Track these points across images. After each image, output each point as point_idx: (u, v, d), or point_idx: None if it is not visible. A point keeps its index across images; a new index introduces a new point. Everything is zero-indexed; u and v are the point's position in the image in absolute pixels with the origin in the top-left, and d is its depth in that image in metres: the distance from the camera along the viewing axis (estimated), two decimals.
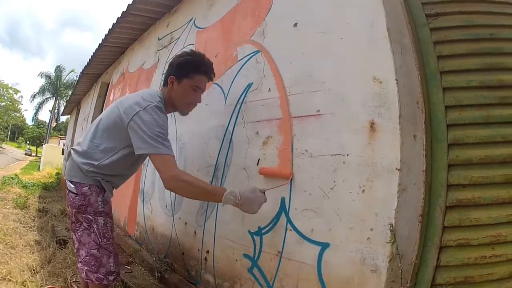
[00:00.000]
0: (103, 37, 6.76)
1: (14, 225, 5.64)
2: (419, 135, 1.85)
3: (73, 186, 2.45)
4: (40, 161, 26.97)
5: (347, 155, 1.98)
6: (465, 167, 1.89)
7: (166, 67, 4.32)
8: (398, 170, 1.76)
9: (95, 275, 2.44)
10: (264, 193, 2.26)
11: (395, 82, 1.82)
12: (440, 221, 1.83)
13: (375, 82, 1.90)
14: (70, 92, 15.90)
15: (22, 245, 4.62)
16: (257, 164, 2.56)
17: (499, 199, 1.87)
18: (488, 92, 1.96)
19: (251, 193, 2.22)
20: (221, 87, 3.13)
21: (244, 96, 2.81)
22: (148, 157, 2.40)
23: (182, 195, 2.37)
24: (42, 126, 69.01)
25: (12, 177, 12.09)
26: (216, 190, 2.29)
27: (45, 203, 8.42)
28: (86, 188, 2.45)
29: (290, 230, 2.23)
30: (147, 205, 4.24)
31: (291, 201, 2.27)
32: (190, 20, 4.19)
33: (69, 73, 47.64)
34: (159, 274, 3.47)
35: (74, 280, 3.37)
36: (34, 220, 6.39)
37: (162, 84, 2.62)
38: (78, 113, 13.35)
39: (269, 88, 2.58)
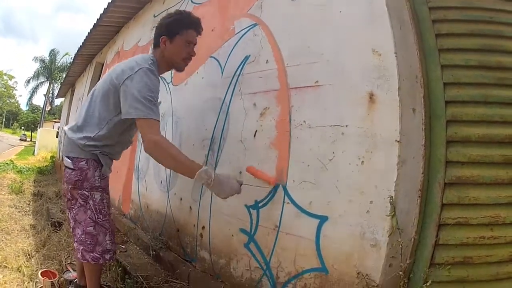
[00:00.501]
0: (98, 17, 6.66)
1: (10, 210, 5.66)
2: (418, 109, 1.84)
3: (70, 161, 2.43)
4: (34, 146, 26.93)
5: (346, 126, 1.96)
6: (464, 144, 1.89)
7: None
8: (398, 142, 1.75)
9: (91, 254, 2.42)
10: (240, 185, 2.32)
11: (394, 55, 1.82)
12: (439, 198, 1.83)
13: (375, 55, 1.89)
14: (64, 75, 15.78)
15: (18, 230, 4.64)
16: (254, 136, 2.53)
17: (498, 179, 1.88)
18: (487, 72, 1.97)
19: (226, 178, 2.27)
20: (217, 60, 3.07)
21: (241, 68, 2.77)
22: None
23: (159, 162, 2.37)
24: (36, 110, 68.56)
25: (7, 163, 12.17)
26: (193, 165, 2.25)
27: (40, 186, 8.47)
28: (83, 162, 2.43)
29: (288, 203, 2.20)
30: (142, 182, 4.22)
31: (288, 173, 2.23)
32: None
33: (63, 56, 47.37)
34: (154, 253, 3.45)
35: (68, 262, 3.37)
36: (29, 204, 6.41)
37: (152, 47, 2.63)
38: (73, 95, 13.30)
39: (267, 60, 2.54)
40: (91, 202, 2.44)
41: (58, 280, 2.86)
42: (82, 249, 2.43)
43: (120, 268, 3.14)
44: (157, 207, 3.75)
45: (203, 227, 2.92)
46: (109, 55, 7.64)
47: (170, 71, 3.18)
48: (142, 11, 5.86)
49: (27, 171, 11.53)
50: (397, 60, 1.81)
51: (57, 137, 19.15)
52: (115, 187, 4.92)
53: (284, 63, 2.40)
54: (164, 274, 3.11)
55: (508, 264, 1.88)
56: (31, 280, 3.03)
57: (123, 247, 3.82)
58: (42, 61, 48.24)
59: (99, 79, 8.46)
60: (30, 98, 53.35)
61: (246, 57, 2.75)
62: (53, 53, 48.81)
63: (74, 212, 2.45)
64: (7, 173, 10.04)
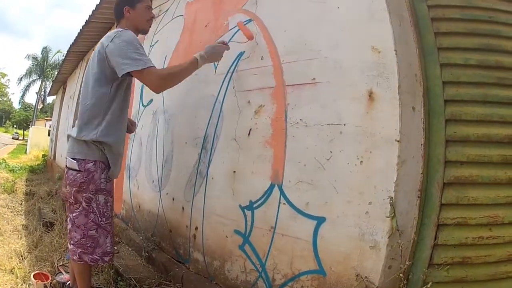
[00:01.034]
0: (90, 13, 6.61)
1: (2, 210, 5.65)
2: (417, 108, 1.82)
3: (75, 162, 2.43)
4: (27, 144, 26.83)
5: (344, 124, 1.93)
6: (463, 144, 1.89)
7: (154, 39, 4.23)
8: (398, 141, 1.73)
9: (90, 256, 2.43)
10: (225, 44, 2.70)
11: (394, 53, 1.79)
12: (437, 198, 1.83)
13: (374, 52, 1.86)
14: (56, 73, 15.68)
15: (10, 230, 4.63)
16: (249, 134, 2.49)
17: (497, 179, 1.88)
18: (486, 71, 1.96)
19: (211, 48, 2.62)
20: None
21: (235, 65, 2.74)
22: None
23: (171, 86, 2.64)
24: (29, 109, 68.11)
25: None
26: (190, 62, 2.55)
27: (32, 186, 8.46)
28: (91, 164, 2.44)
29: (284, 203, 2.17)
30: (133, 181, 4.18)
31: (284, 173, 2.20)
32: None
33: (55, 54, 47.05)
34: (147, 254, 3.41)
35: (61, 264, 3.33)
36: (21, 204, 6.41)
37: (116, 20, 2.79)
38: (64, 92, 13.23)
39: (262, 56, 2.50)
40: (94, 205, 2.44)
41: (50, 283, 2.86)
42: (80, 251, 2.42)
43: (113, 270, 3.11)
44: (149, 207, 3.70)
45: (196, 228, 2.88)
46: None
47: None
48: None
49: (19, 170, 11.53)
50: (397, 57, 1.79)
51: (48, 135, 19.07)
52: None
53: (280, 59, 2.36)
54: (157, 276, 3.07)
55: (507, 264, 1.88)
56: (24, 282, 3.02)
57: (116, 248, 3.76)
58: (35, 58, 47.99)
59: None
60: (23, 96, 53.29)
61: (240, 54, 2.71)
62: (45, 51, 48.55)
63: (74, 215, 2.45)
64: None
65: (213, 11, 3.24)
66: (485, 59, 1.97)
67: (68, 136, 2.58)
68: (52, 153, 12.91)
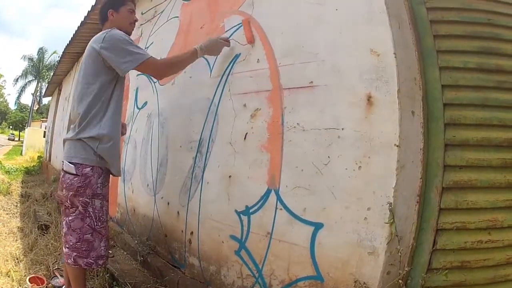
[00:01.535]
0: (86, 14, 6.54)
1: None
2: (417, 112, 1.80)
3: (72, 166, 2.46)
4: (22, 146, 26.80)
5: (343, 129, 1.91)
6: (462, 148, 1.87)
7: (149, 41, 4.20)
8: (397, 146, 1.71)
9: (85, 260, 2.45)
10: (226, 40, 2.75)
11: (394, 56, 1.76)
12: (436, 202, 1.82)
13: (373, 55, 1.84)
14: (52, 74, 15.66)
15: (6, 233, 4.68)
16: (245, 138, 2.46)
17: (496, 183, 1.87)
18: (485, 75, 1.95)
19: (211, 41, 2.72)
20: (205, 59, 2.98)
21: (231, 68, 2.71)
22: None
23: (173, 73, 2.90)
24: (24, 110, 67.75)
25: None
26: (191, 53, 2.69)
27: (27, 187, 8.50)
28: (88, 169, 2.47)
29: (281, 209, 2.14)
30: (128, 184, 4.15)
31: (281, 178, 2.17)
32: None
33: (51, 55, 46.93)
34: (142, 258, 3.39)
35: (56, 267, 3.36)
36: (17, 206, 6.45)
37: (101, 23, 2.86)
38: (60, 94, 13.18)
39: (258, 59, 2.47)
40: (90, 209, 2.47)
41: (46, 287, 2.90)
42: (75, 255, 2.44)
43: (108, 274, 3.09)
44: (144, 211, 3.68)
45: (192, 233, 2.85)
46: None
47: None
48: None
49: (14, 171, 11.62)
50: (397, 60, 1.76)
51: (44, 136, 19.05)
52: None
53: (276, 62, 2.33)
54: (153, 281, 3.05)
55: (505, 267, 1.88)
56: (20, 285, 3.04)
57: (110, 252, 3.74)
58: (31, 59, 47.91)
59: None
60: (18, 97, 53.08)
61: (236, 56, 2.68)
62: (41, 52, 48.48)
63: (70, 219, 2.46)
64: None
65: (209, 13, 3.21)
66: (485, 62, 1.95)
67: (65, 140, 2.59)
68: (48, 155, 12.88)
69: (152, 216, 3.47)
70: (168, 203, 3.23)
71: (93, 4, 5.96)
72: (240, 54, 2.65)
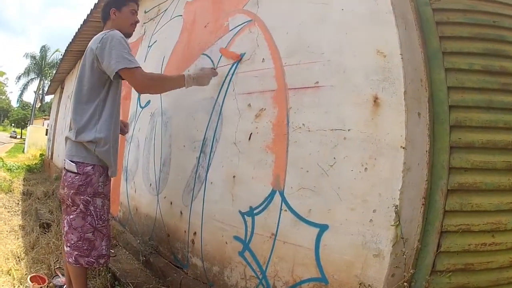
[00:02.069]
0: (88, 12, 6.52)
1: None
2: (423, 114, 1.80)
3: (74, 165, 2.46)
4: (24, 143, 26.81)
5: (349, 130, 1.90)
6: (467, 150, 1.87)
7: (152, 39, 4.18)
8: (403, 148, 1.71)
9: (86, 259, 2.45)
10: (214, 69, 2.81)
11: (400, 57, 1.76)
12: (441, 204, 1.83)
13: (379, 56, 1.83)
14: (54, 72, 15.67)
15: (7, 231, 4.67)
16: (249, 138, 2.45)
17: (500, 185, 1.88)
18: (491, 77, 1.95)
19: (200, 70, 2.77)
20: (210, 58, 2.98)
21: (235, 67, 2.69)
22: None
23: (156, 92, 2.93)
24: (27, 107, 67.88)
25: None
26: (179, 77, 2.69)
27: (29, 185, 8.46)
28: (90, 167, 2.47)
29: (285, 210, 2.13)
30: (131, 183, 4.14)
31: (286, 179, 2.16)
32: None
33: (54, 53, 46.89)
34: (144, 258, 3.38)
35: (57, 266, 3.35)
36: (18, 204, 6.43)
37: (103, 21, 2.86)
38: (62, 92, 13.19)
39: (263, 59, 2.46)
40: (91, 208, 2.47)
41: (47, 286, 2.89)
42: (76, 254, 2.43)
43: (110, 274, 3.08)
44: (147, 211, 3.66)
45: (195, 233, 2.84)
46: None
47: None
48: None
49: (16, 169, 11.54)
50: (403, 62, 1.75)
51: (46, 134, 19.04)
52: None
53: (281, 62, 2.32)
54: (155, 281, 3.04)
55: (508, 270, 1.89)
56: (21, 284, 3.03)
57: (112, 251, 3.73)
58: (33, 57, 47.89)
59: None
60: (21, 95, 53.08)
61: (241, 55, 2.67)
62: (44, 50, 48.47)
63: (71, 217, 2.46)
64: None
65: (213, 11, 3.20)
66: (490, 64, 1.95)
67: (66, 138, 2.59)
68: (50, 153, 12.88)
69: (155, 215, 3.46)
70: (171, 203, 3.22)
71: (96, 2, 5.94)
72: (245, 53, 2.63)
